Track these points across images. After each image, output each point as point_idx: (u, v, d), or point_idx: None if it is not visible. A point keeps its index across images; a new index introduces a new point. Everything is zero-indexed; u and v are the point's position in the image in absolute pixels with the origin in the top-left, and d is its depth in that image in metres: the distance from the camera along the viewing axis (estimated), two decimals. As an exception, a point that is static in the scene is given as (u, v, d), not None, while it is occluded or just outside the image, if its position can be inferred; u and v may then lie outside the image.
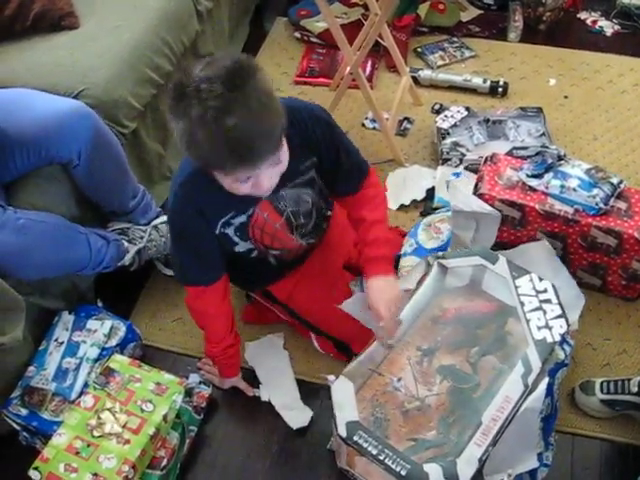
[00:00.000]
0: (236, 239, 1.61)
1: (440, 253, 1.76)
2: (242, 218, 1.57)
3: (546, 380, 1.50)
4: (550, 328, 1.57)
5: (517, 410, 1.48)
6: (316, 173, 1.60)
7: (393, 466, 1.39)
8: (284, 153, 1.38)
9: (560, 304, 1.61)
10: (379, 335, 1.62)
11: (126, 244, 1.93)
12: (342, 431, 1.45)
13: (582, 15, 3.02)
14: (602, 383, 1.74)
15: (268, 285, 1.84)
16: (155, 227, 2.01)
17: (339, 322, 1.78)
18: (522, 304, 1.63)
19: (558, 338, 1.56)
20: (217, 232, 1.57)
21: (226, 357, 1.77)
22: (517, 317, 1.62)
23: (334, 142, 1.58)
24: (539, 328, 1.58)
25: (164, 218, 2.04)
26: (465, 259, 1.74)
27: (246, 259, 1.70)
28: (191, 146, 1.27)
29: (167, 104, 1.28)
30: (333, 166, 1.60)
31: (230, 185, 1.38)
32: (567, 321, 1.59)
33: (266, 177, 1.36)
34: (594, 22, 2.98)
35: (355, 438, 1.44)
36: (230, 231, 1.58)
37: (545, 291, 1.64)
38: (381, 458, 1.41)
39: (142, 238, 1.97)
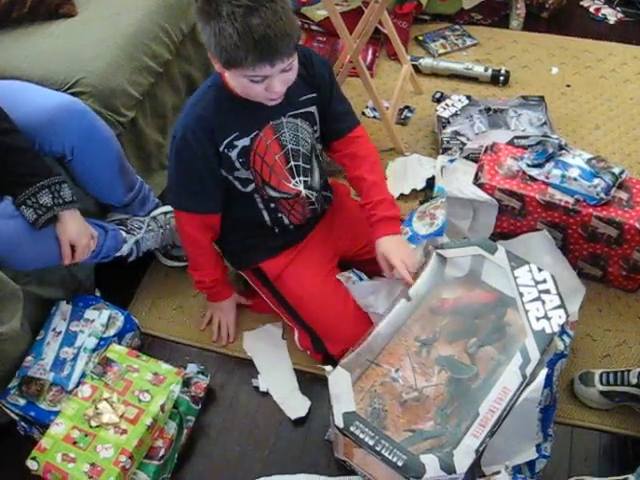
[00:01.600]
0: (237, 164, 1.67)
1: (439, 242, 1.75)
2: (245, 141, 1.64)
3: (545, 371, 1.50)
4: (549, 319, 1.57)
5: (515, 401, 1.47)
6: (316, 110, 1.72)
7: (390, 457, 1.39)
8: (295, 64, 1.50)
9: (559, 294, 1.61)
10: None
11: (124, 234, 1.92)
12: (339, 422, 1.45)
13: (585, 3, 3.00)
14: (601, 374, 1.73)
15: (262, 260, 1.84)
16: (154, 218, 2.01)
17: (319, 311, 1.79)
18: (521, 295, 1.62)
19: (557, 329, 1.55)
20: (221, 149, 1.64)
21: (215, 284, 1.89)
22: (516, 307, 1.62)
23: (332, 86, 1.74)
24: (538, 319, 1.57)
25: (163, 209, 2.04)
26: (464, 249, 1.73)
27: (246, 215, 1.78)
28: (220, 42, 1.39)
29: (197, 9, 1.43)
30: (326, 106, 1.74)
31: (245, 86, 1.50)
32: (566, 312, 1.58)
33: (278, 80, 1.48)
34: (597, 10, 2.96)
35: (352, 429, 1.43)
36: (233, 154, 1.65)
37: (544, 281, 1.63)
38: (378, 449, 1.41)
39: (140, 229, 1.96)
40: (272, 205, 1.77)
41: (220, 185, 1.71)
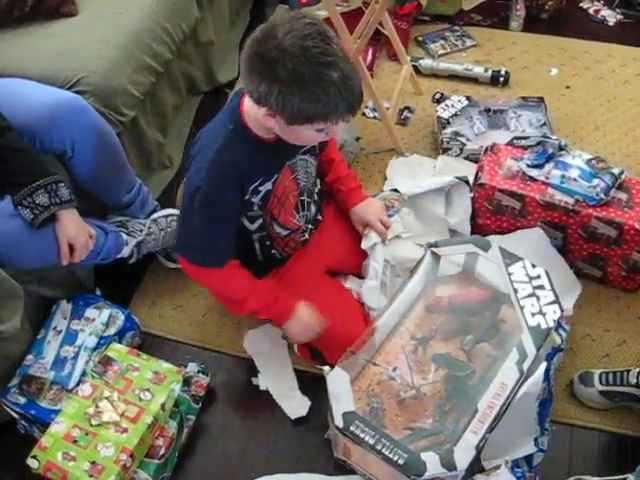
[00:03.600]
0: (256, 207, 1.64)
1: (433, 241, 1.76)
2: (268, 185, 1.61)
3: (544, 365, 1.51)
4: (544, 314, 1.58)
5: (513, 397, 1.48)
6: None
7: (390, 455, 1.40)
8: None
9: (553, 290, 1.62)
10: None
11: (125, 236, 1.92)
12: (339, 422, 1.45)
13: (585, 4, 3.00)
14: (601, 374, 1.73)
15: None
16: (155, 221, 2.00)
17: None
18: (515, 291, 1.63)
19: (552, 324, 1.56)
20: (246, 197, 1.59)
21: (274, 296, 1.71)
22: (510, 304, 1.63)
23: None
24: (533, 314, 1.58)
25: (164, 212, 2.04)
26: (458, 247, 1.74)
27: (240, 244, 1.72)
28: (301, 102, 1.33)
29: (252, 69, 1.35)
30: None
31: (306, 136, 1.46)
32: (560, 307, 1.59)
33: (340, 124, 1.44)
34: (597, 11, 2.96)
35: (352, 428, 1.44)
36: (256, 199, 1.62)
37: (538, 277, 1.64)
38: (378, 448, 1.41)
39: (141, 231, 1.96)
40: (267, 243, 1.76)
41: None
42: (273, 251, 1.79)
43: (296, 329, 1.73)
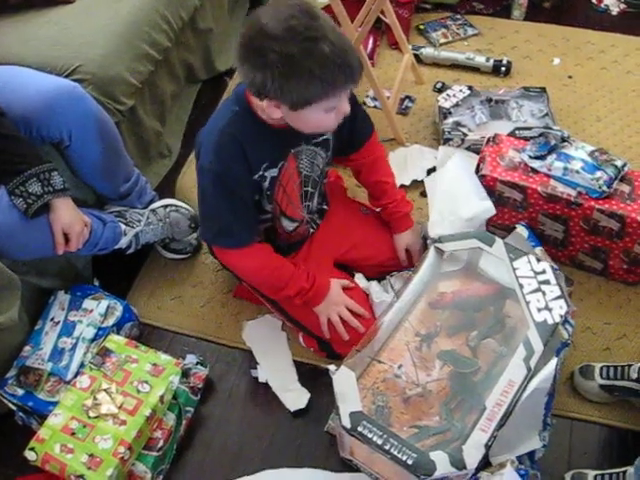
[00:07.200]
0: (265, 196, 1.63)
1: (437, 237, 1.75)
2: (274, 172, 1.60)
3: (555, 360, 1.49)
4: (550, 310, 1.57)
5: (521, 393, 1.47)
6: (332, 136, 1.68)
7: (399, 455, 1.38)
8: None
9: (559, 285, 1.60)
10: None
11: (123, 227, 1.90)
12: (346, 422, 1.43)
13: (587, -7, 2.97)
14: (602, 368, 1.72)
15: None
16: (153, 211, 1.99)
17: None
18: (521, 286, 1.61)
19: (558, 319, 1.55)
20: (255, 177, 1.58)
21: (313, 280, 1.72)
22: (514, 299, 1.61)
23: (355, 107, 1.64)
24: (539, 310, 1.57)
25: (163, 202, 2.02)
26: (462, 242, 1.72)
27: None
28: (296, 83, 1.32)
29: (244, 61, 1.34)
30: (347, 127, 1.66)
31: (317, 120, 1.44)
32: (567, 302, 1.57)
33: (346, 101, 1.43)
34: (600, 1, 2.93)
35: (359, 429, 1.42)
36: (265, 185, 1.61)
37: (543, 272, 1.63)
38: (387, 448, 1.39)
39: (140, 221, 1.94)
40: (271, 236, 1.76)
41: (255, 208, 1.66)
42: (278, 243, 1.78)
43: (330, 308, 1.73)
